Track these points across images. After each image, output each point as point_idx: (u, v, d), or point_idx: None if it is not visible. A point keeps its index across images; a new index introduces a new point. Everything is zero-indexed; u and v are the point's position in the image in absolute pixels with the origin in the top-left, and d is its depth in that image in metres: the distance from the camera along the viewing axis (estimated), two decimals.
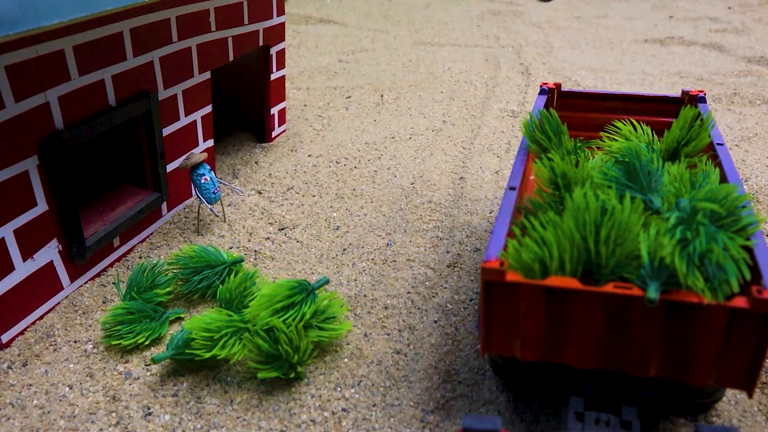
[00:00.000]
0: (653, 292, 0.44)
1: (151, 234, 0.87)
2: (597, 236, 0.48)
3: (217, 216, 0.88)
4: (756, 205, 0.94)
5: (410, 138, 1.18)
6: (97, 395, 0.61)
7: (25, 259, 0.67)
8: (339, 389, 0.62)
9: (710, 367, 0.46)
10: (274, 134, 1.17)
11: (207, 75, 0.93)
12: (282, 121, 1.20)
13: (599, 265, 0.48)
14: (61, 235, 0.71)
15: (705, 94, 0.78)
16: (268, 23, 1.06)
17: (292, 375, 0.61)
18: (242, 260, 0.75)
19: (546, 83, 0.82)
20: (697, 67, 1.58)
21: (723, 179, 0.61)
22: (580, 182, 0.59)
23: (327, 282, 0.67)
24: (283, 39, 1.13)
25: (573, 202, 0.49)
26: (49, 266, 0.71)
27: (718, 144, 0.67)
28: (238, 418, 0.59)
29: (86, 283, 0.77)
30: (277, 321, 0.60)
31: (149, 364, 0.65)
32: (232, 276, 0.71)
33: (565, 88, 0.83)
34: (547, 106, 0.80)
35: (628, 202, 0.49)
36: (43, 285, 0.70)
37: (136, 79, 0.78)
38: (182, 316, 0.71)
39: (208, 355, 0.60)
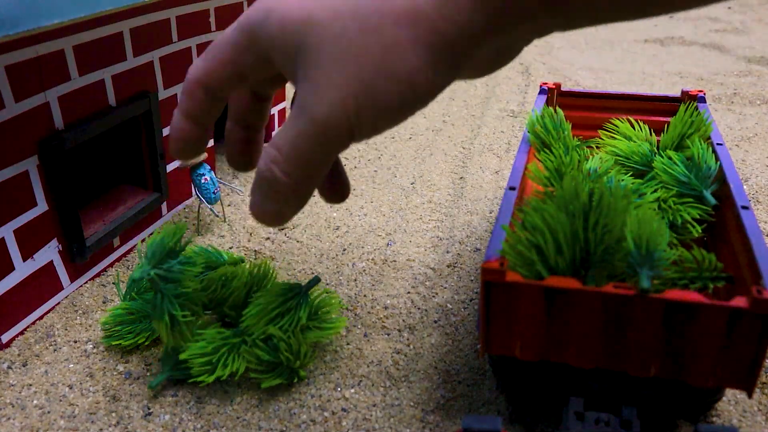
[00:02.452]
0: (645, 281, 0.45)
1: (151, 234, 0.87)
2: (585, 223, 0.48)
3: (217, 216, 0.88)
4: (756, 205, 0.94)
5: (410, 138, 1.18)
6: (97, 395, 0.61)
7: (25, 259, 0.67)
8: (339, 389, 0.62)
9: (710, 367, 0.46)
10: (274, 134, 1.17)
11: None
12: (282, 121, 1.20)
13: (588, 252, 0.48)
14: (61, 235, 0.71)
15: (705, 94, 0.78)
16: None
17: (295, 380, 0.61)
18: (243, 261, 0.75)
19: (546, 83, 0.82)
20: (697, 67, 1.58)
21: (722, 179, 0.62)
22: (568, 172, 0.60)
23: (318, 281, 0.66)
24: None
25: (562, 190, 0.50)
26: (49, 266, 0.71)
27: (717, 144, 0.67)
28: (238, 418, 0.59)
29: (86, 283, 0.77)
30: (274, 330, 0.60)
31: (150, 364, 0.65)
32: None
33: (565, 88, 0.83)
34: (547, 105, 0.80)
35: (618, 189, 0.49)
36: (43, 285, 0.70)
37: (136, 79, 0.78)
38: None
39: (211, 378, 0.59)
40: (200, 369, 0.59)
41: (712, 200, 0.60)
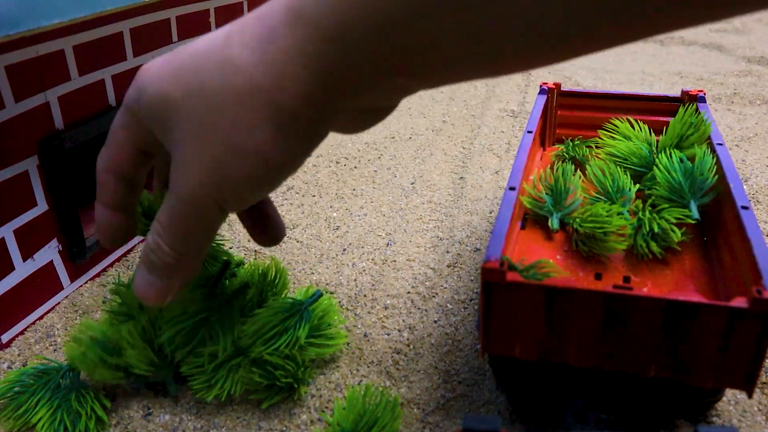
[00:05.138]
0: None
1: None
2: None
3: None
4: (756, 205, 0.94)
5: (410, 138, 1.18)
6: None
7: (25, 259, 0.67)
8: (339, 389, 0.62)
9: (710, 367, 0.46)
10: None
11: None
12: None
13: None
14: (61, 235, 0.71)
15: (705, 94, 0.78)
16: None
17: (296, 396, 0.60)
18: (243, 263, 0.74)
19: (546, 83, 0.82)
20: (697, 67, 1.58)
21: (722, 179, 0.61)
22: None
23: (321, 296, 0.64)
24: None
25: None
26: (49, 266, 0.71)
27: (717, 144, 0.67)
28: (238, 418, 0.59)
29: (86, 283, 0.77)
30: (270, 357, 0.58)
31: None
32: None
33: (565, 88, 0.83)
34: (546, 105, 0.80)
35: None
36: (43, 285, 0.70)
37: None
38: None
39: (210, 396, 0.58)
40: (200, 386, 0.58)
41: (696, 214, 0.60)
